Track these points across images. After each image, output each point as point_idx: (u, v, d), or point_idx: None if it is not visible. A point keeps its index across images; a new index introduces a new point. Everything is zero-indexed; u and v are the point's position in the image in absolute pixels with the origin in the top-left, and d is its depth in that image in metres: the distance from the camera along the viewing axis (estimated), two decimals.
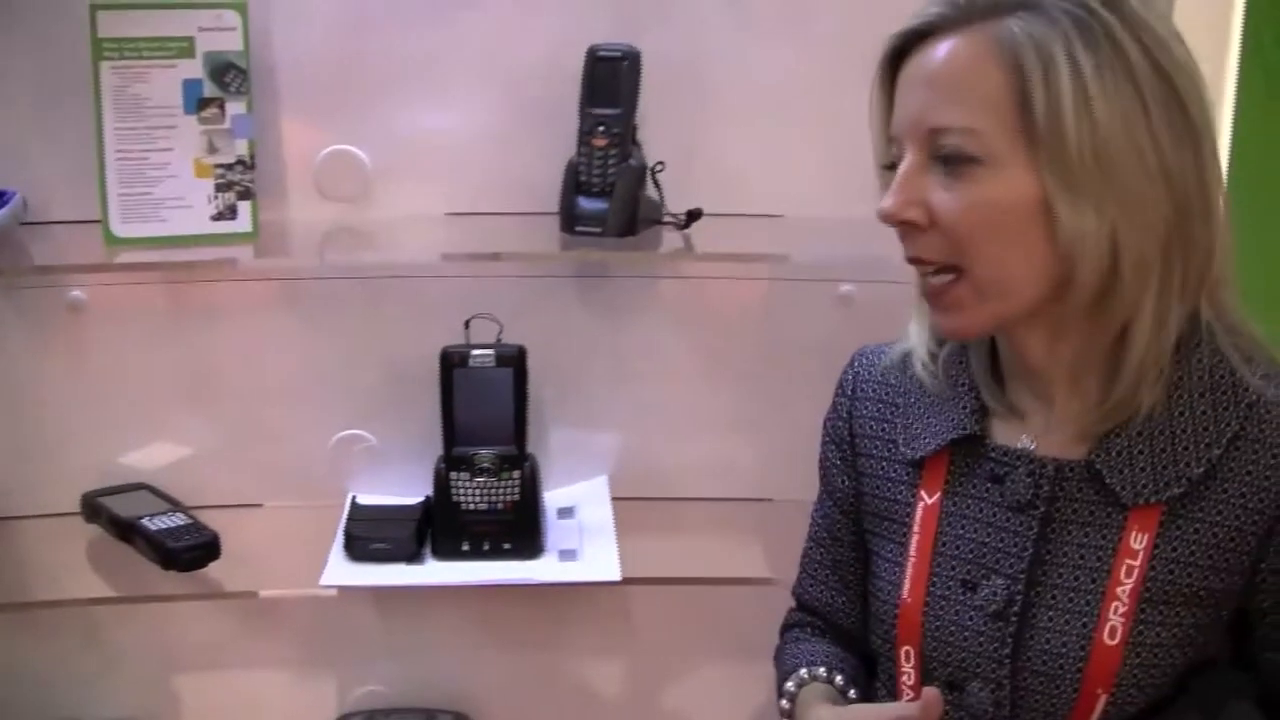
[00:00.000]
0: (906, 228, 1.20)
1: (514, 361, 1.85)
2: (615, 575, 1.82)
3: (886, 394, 1.39)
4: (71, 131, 1.81)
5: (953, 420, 1.30)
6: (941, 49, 1.17)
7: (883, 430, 1.38)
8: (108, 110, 1.78)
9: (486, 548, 1.86)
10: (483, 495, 1.85)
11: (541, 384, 1.91)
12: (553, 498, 1.97)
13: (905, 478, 1.34)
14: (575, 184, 1.82)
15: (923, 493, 1.32)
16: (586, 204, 1.82)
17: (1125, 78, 1.12)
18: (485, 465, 1.85)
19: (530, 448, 1.89)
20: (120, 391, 1.95)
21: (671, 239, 1.87)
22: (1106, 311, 1.19)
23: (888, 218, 1.20)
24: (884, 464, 1.37)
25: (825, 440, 1.47)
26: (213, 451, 1.99)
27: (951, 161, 1.16)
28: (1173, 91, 1.14)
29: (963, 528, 1.29)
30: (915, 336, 1.37)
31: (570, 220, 1.82)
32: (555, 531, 1.92)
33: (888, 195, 1.20)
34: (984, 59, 1.15)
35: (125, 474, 1.97)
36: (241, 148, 1.82)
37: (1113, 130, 1.12)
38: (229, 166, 1.82)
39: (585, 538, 1.91)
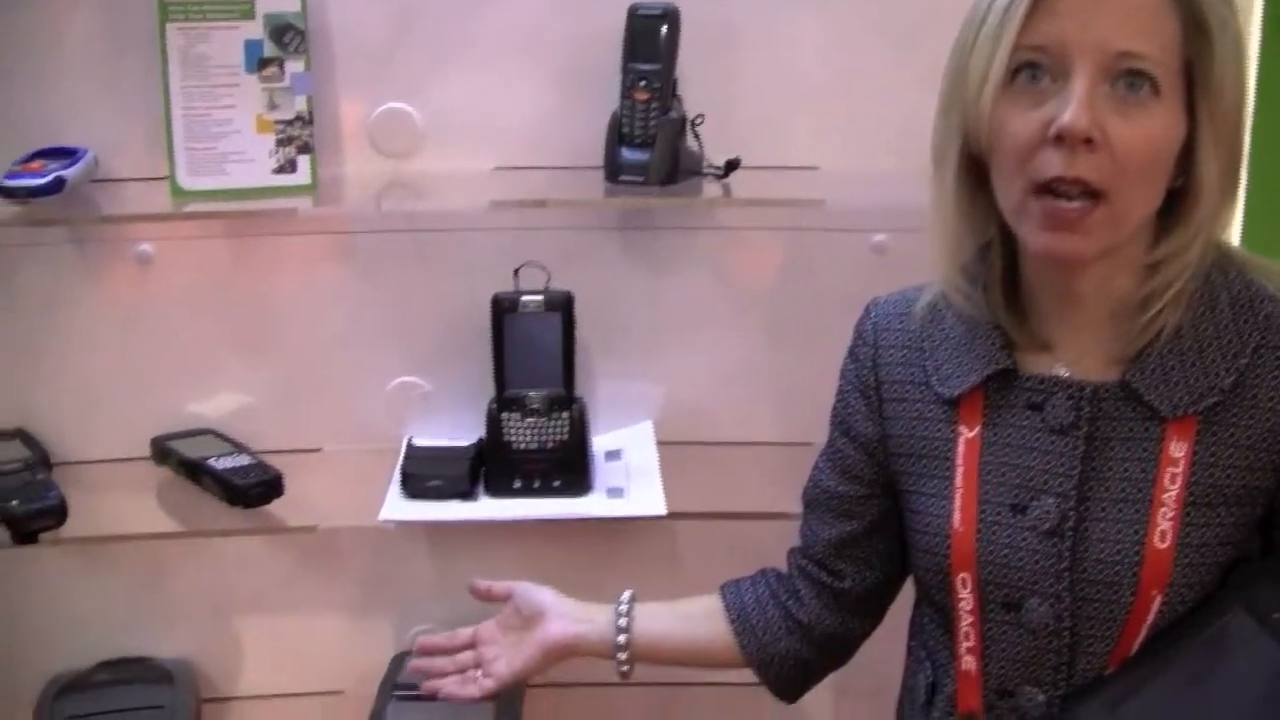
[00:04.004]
0: (1080, 146, 1.19)
1: (562, 307, 1.93)
2: (661, 510, 1.89)
3: (911, 339, 1.43)
4: (139, 91, 1.90)
5: (983, 357, 1.35)
6: None
7: (912, 374, 1.42)
8: (174, 70, 1.87)
9: (537, 485, 1.93)
10: (533, 435, 1.93)
11: (587, 332, 1.99)
12: (600, 442, 2.04)
13: (941, 416, 1.38)
14: (619, 136, 1.89)
15: (962, 427, 1.36)
16: (629, 154, 1.89)
17: (1238, 36, 1.23)
18: (535, 406, 1.93)
19: (578, 393, 1.97)
20: (185, 342, 2.04)
21: (711, 190, 1.94)
22: (1178, 246, 1.26)
23: (1074, 133, 1.18)
24: (917, 405, 1.41)
25: (845, 389, 1.50)
26: (274, 399, 2.07)
27: (1133, 89, 1.19)
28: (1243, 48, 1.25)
29: (1006, 455, 1.34)
30: (948, 277, 1.39)
31: (614, 170, 1.90)
32: (603, 472, 1.99)
33: (1076, 110, 1.18)
34: (1165, 2, 1.20)
35: (191, 420, 2.06)
36: (300, 104, 1.90)
37: (1242, 84, 1.24)
38: (289, 122, 1.90)
39: (631, 477, 1.98)
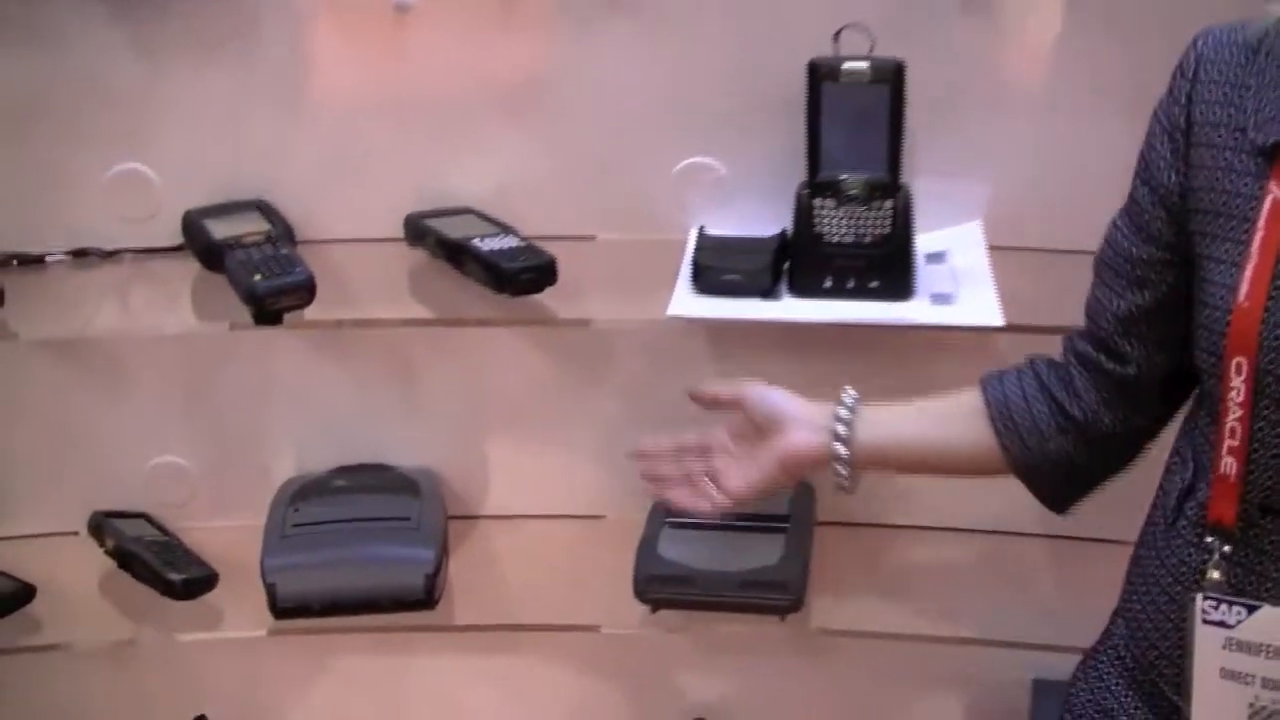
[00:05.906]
0: None
1: (891, 77, 1.66)
2: (997, 320, 1.65)
3: (1236, 75, 1.22)
4: None
5: None
6: None
7: (1229, 116, 1.21)
8: None
9: (851, 285, 1.71)
10: (849, 226, 1.70)
11: (909, 113, 1.70)
12: (921, 242, 1.78)
13: (1252, 169, 1.19)
14: None
15: (1272, 185, 1.16)
16: None
17: None
18: (854, 193, 1.69)
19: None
20: (444, 107, 1.84)
21: None
22: None
23: None
24: (1227, 154, 1.21)
25: (1153, 131, 1.31)
26: (543, 178, 1.87)
27: None
28: None
29: None
30: None
31: None
32: (924, 275, 1.75)
33: None
34: None
35: (450, 198, 1.87)
36: None
37: None
38: None
39: (959, 283, 1.73)
